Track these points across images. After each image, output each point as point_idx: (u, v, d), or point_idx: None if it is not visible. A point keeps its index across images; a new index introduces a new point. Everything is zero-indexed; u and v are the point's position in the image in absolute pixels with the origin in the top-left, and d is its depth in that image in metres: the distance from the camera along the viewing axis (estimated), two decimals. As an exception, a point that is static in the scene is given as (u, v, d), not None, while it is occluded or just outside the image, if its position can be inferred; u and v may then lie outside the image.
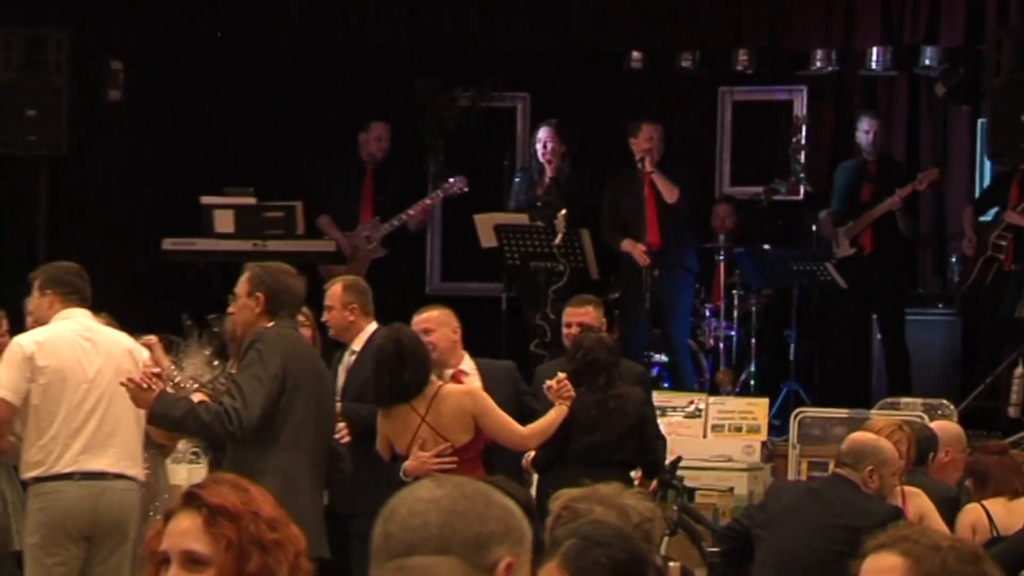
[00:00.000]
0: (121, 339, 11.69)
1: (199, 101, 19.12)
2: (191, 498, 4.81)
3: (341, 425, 11.79)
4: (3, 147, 17.20)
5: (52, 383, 11.21)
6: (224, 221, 17.65)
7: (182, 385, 11.98)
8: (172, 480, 12.89)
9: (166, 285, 17.10)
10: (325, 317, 12.72)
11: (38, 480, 11.32)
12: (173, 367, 12.29)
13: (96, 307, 12.07)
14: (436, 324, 12.37)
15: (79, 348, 11.39)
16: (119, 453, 11.11)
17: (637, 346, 17.20)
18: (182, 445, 13.44)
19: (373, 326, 12.65)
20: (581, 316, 13.26)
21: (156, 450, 12.15)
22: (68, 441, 11.16)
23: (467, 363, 12.67)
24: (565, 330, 13.30)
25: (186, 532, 4.75)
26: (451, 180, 18.57)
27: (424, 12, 19.13)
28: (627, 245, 17.47)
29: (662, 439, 12.91)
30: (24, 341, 11.48)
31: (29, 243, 16.38)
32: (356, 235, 18.46)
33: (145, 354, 11.71)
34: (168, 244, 17.45)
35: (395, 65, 20.02)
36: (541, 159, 18.09)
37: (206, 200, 17.79)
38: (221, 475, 5.20)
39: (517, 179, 18.91)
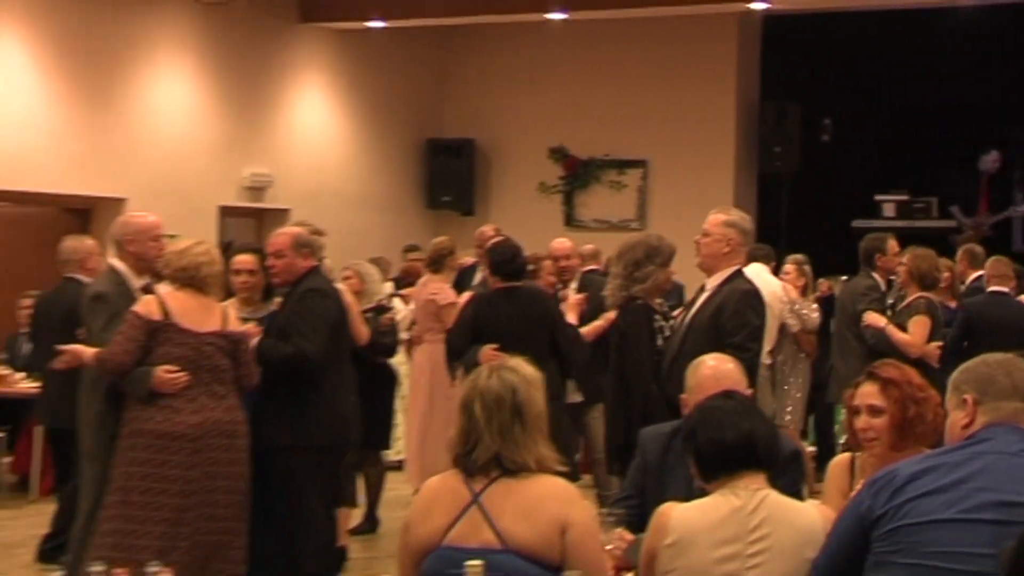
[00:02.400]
0: (771, 282, 10.58)
1: (874, 136, 18.98)
2: (871, 375, 4.92)
3: None
4: (762, 168, 17.29)
5: None
6: (889, 209, 17.63)
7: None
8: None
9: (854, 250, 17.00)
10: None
11: None
12: None
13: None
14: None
15: None
16: None
17: None
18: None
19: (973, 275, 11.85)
20: None
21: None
22: None
23: None
24: None
25: (869, 393, 4.86)
26: None
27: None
28: None
29: None
30: None
31: (776, 228, 16.21)
32: (976, 219, 18.08)
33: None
34: (856, 223, 17.07)
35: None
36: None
37: (878, 197, 17.75)
38: (889, 360, 5.26)
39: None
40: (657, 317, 8.03)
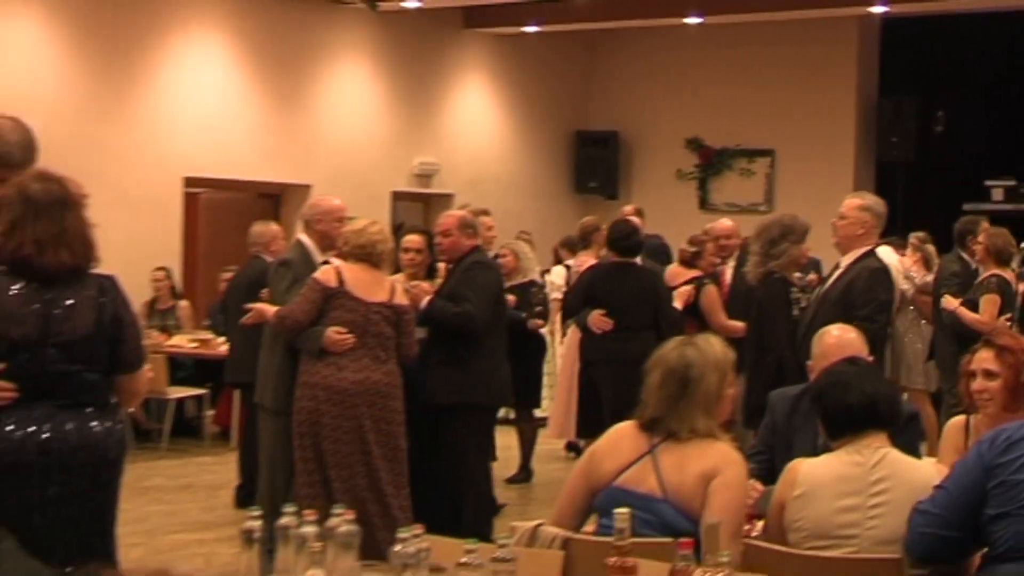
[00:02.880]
0: (892, 256, 10.26)
1: (984, 126, 18.51)
2: (987, 342, 4.92)
3: None
4: (879, 157, 16.87)
5: None
6: (998, 194, 16.98)
7: None
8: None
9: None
10: None
11: None
12: None
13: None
14: None
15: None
16: None
17: None
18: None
19: None
20: None
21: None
22: None
23: None
24: None
25: (985, 359, 4.85)
26: None
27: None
28: None
29: None
30: None
31: (892, 212, 15.81)
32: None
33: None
34: (966, 207, 15.92)
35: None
36: None
37: (988, 182, 17.16)
38: (1005, 330, 5.28)
39: None
40: (794, 290, 8.01)
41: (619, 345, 8.99)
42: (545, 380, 11.11)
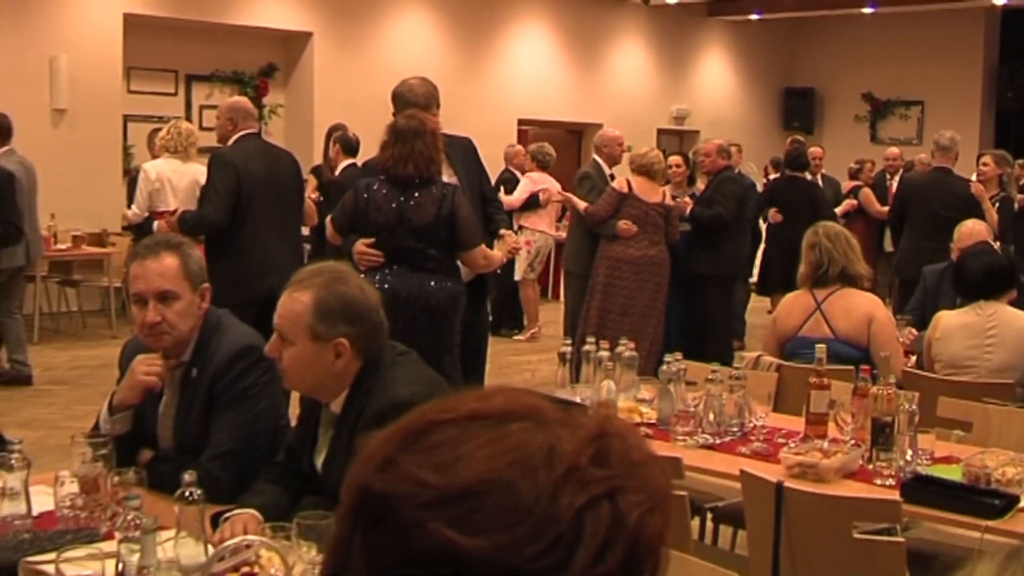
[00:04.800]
0: None
1: None
2: None
3: None
4: (998, 107, 15.44)
5: None
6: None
7: None
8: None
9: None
10: None
11: None
12: None
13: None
14: None
15: None
16: None
17: None
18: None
19: None
20: None
21: None
22: None
23: None
24: None
25: None
26: None
27: None
28: None
29: None
30: None
31: (1008, 147, 14.46)
32: None
33: None
34: None
35: None
36: None
37: None
38: None
39: None
40: None
41: (785, 232, 8.76)
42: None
